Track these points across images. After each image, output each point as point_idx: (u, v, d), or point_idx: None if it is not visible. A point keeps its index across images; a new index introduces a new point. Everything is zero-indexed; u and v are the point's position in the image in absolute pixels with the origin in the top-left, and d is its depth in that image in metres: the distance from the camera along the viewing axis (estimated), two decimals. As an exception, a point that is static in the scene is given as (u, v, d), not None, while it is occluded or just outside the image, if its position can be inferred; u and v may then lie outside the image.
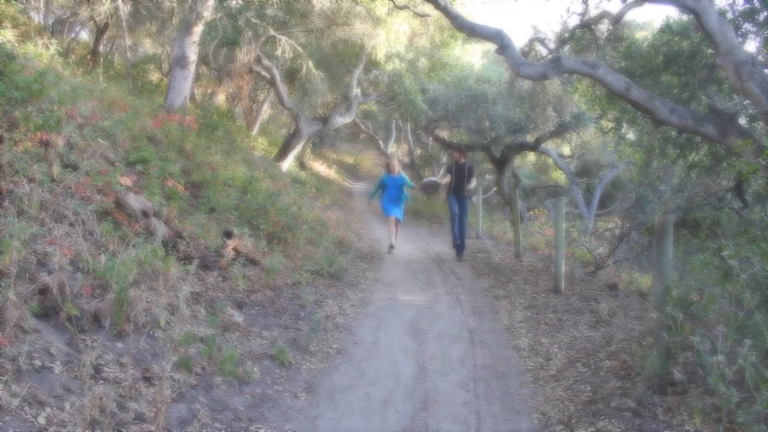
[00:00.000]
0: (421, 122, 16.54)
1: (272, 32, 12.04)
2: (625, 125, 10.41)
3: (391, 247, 9.56)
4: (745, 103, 6.92)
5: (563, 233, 6.82)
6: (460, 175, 9.06)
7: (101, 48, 14.71)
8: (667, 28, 8.16)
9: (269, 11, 12.10)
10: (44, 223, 3.88)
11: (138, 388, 2.95)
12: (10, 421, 2.31)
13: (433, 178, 12.89)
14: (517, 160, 19.64)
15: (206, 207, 6.52)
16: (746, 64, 5.22)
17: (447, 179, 9.26)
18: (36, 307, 3.12)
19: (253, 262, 6.03)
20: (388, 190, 9.57)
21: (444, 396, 3.81)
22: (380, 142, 24.76)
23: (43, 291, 3.26)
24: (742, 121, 7.08)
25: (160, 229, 4.95)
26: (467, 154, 10.05)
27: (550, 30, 27.61)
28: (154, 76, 16.33)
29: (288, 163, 15.61)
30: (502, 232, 12.45)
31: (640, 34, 11.08)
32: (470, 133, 16.58)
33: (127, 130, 6.42)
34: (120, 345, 3.38)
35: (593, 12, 9.09)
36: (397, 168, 9.94)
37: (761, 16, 6.77)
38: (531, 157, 21.74)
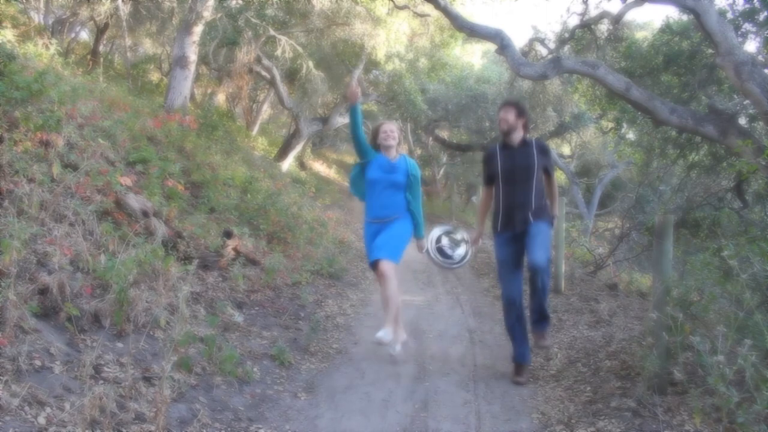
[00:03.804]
0: (421, 122, 16.55)
1: (272, 32, 12.04)
2: (625, 125, 10.42)
3: (390, 344, 4.23)
4: (745, 103, 6.92)
5: (563, 233, 6.83)
6: (516, 174, 4.04)
7: (101, 48, 14.71)
8: (667, 28, 8.16)
9: (269, 11, 12.10)
10: (44, 223, 3.88)
11: (138, 388, 2.95)
12: (10, 421, 2.31)
13: (443, 229, 4.75)
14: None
15: (206, 207, 6.52)
16: (746, 64, 5.22)
17: (474, 235, 4.51)
18: (36, 307, 3.12)
19: (253, 262, 6.03)
20: (375, 191, 4.34)
21: (444, 396, 3.81)
22: (380, 142, 24.74)
23: (43, 291, 3.26)
24: (742, 121, 7.09)
25: (160, 229, 4.95)
26: (527, 122, 4.18)
27: (550, 30, 27.63)
28: (154, 76, 16.32)
29: (288, 163, 15.61)
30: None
31: (640, 34, 11.09)
32: (470, 133, 16.59)
33: (127, 130, 6.42)
34: (120, 345, 3.38)
35: (593, 12, 9.10)
36: (397, 144, 4.42)
37: (761, 16, 6.77)
38: (531, 157, 21.69)
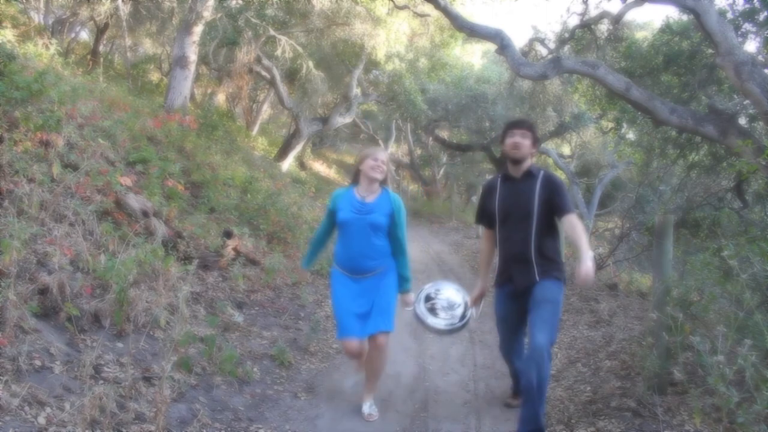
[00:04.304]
0: (421, 122, 16.53)
1: (272, 32, 12.04)
2: (625, 125, 10.40)
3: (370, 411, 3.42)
4: (745, 103, 6.91)
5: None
6: (512, 215, 3.23)
7: (101, 48, 14.71)
8: (667, 28, 8.16)
9: (269, 11, 12.10)
10: (44, 223, 3.88)
11: (138, 388, 2.95)
12: (10, 421, 2.31)
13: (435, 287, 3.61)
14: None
15: (206, 207, 6.52)
16: (746, 64, 5.22)
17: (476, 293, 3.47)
18: (36, 307, 3.12)
19: (253, 262, 6.03)
20: (348, 236, 3.38)
21: (444, 396, 3.81)
22: (380, 142, 24.77)
23: (43, 291, 3.26)
24: (742, 121, 7.08)
25: (160, 229, 4.95)
26: (537, 148, 3.35)
27: (550, 30, 27.61)
28: (154, 76, 16.33)
29: (288, 163, 15.61)
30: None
31: (640, 34, 11.08)
32: (470, 133, 16.58)
33: (127, 130, 6.42)
34: (120, 345, 3.38)
35: (593, 12, 9.09)
36: (383, 179, 3.40)
37: (761, 16, 6.76)
38: (531, 157, 21.68)
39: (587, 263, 2.76)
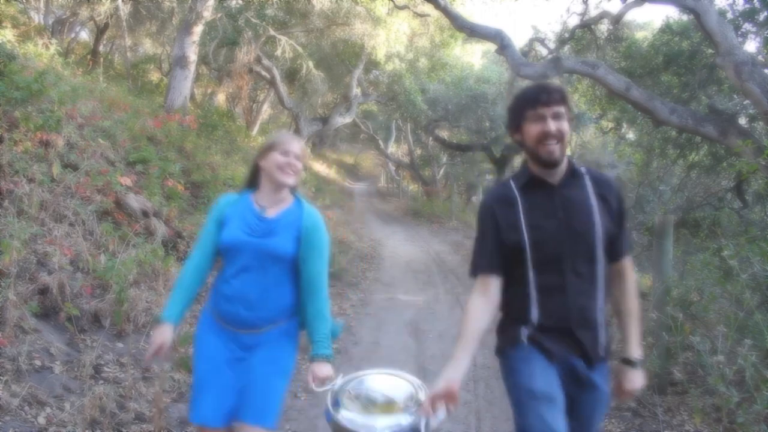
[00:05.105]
0: (421, 122, 16.55)
1: (272, 32, 12.05)
2: (625, 125, 10.41)
3: None
4: (745, 103, 6.92)
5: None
6: (565, 242, 1.69)
7: (101, 48, 14.72)
8: (667, 28, 8.17)
9: (269, 11, 12.12)
10: (44, 223, 3.88)
11: (138, 388, 2.95)
12: (10, 421, 2.31)
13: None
14: (517, 160, 19.63)
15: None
16: (746, 64, 5.22)
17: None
18: (36, 307, 3.12)
19: (253, 262, 6.02)
20: (234, 267, 2.01)
21: (444, 396, 3.80)
22: (380, 142, 24.79)
23: (43, 291, 3.26)
24: (742, 121, 7.09)
25: (160, 229, 4.95)
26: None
27: (550, 30, 27.61)
28: (154, 76, 16.33)
29: (288, 163, 15.61)
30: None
31: (640, 34, 11.09)
32: (470, 133, 16.60)
33: (127, 130, 6.42)
34: (120, 345, 3.38)
35: (593, 12, 9.11)
36: (287, 181, 2.03)
37: (761, 16, 6.77)
38: (531, 157, 21.65)
39: (638, 373, 1.78)
